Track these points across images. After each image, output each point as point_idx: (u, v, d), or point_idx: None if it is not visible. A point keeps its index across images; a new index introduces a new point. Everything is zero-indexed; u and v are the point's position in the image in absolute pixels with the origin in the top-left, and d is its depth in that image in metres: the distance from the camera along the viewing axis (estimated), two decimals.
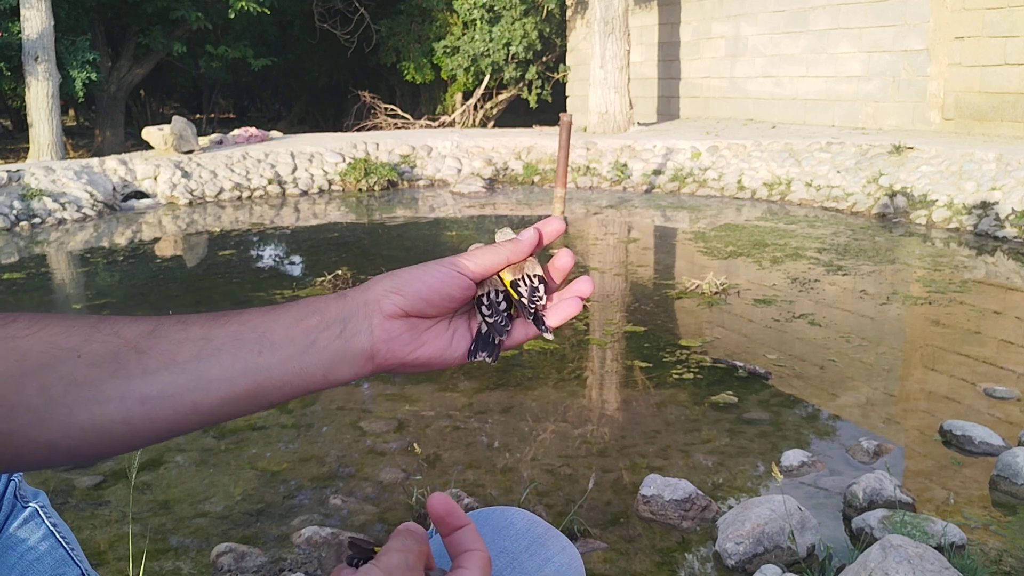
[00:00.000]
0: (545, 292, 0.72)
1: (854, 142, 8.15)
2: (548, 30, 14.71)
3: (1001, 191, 6.36)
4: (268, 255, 6.43)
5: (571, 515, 2.29)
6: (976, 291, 4.79)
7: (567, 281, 0.75)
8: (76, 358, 0.59)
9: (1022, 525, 2.26)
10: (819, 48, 10.41)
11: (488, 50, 14.35)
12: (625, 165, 9.29)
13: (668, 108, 13.03)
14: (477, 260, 0.70)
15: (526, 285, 0.72)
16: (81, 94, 11.65)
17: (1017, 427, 2.87)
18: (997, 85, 8.33)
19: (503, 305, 0.71)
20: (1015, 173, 6.39)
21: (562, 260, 0.73)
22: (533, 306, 0.71)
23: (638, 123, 11.51)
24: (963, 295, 4.65)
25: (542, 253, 0.74)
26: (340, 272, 5.12)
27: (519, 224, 7.22)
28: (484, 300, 0.71)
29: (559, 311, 0.72)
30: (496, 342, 0.71)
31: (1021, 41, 8.07)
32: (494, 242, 0.73)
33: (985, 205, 6.35)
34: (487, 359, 0.70)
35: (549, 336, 0.72)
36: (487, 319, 0.71)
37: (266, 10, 13.11)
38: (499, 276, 0.72)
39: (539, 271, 0.73)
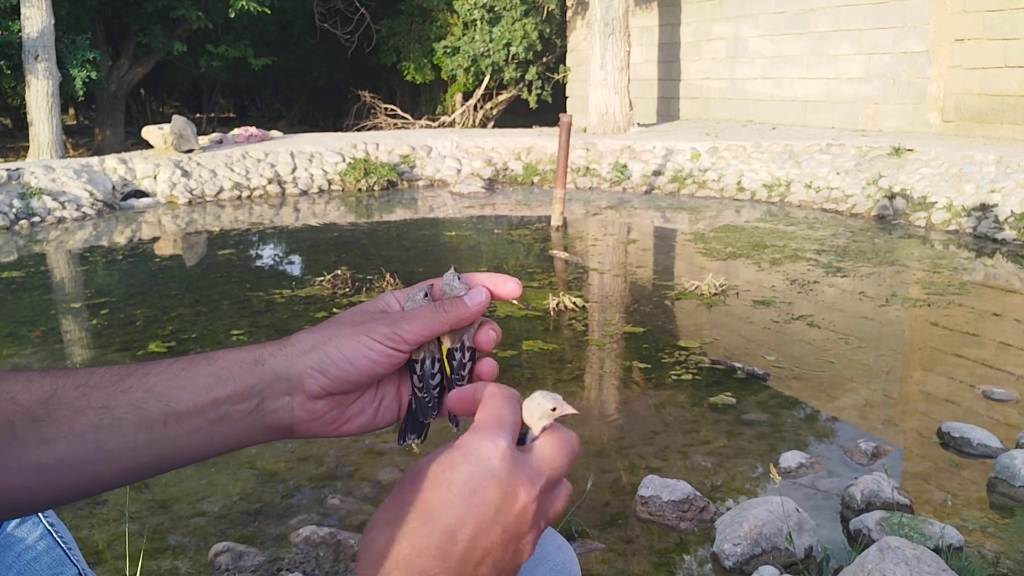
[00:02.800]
0: (472, 366, 0.64)
1: (854, 144, 8.15)
2: (548, 31, 14.70)
3: (1000, 193, 6.36)
4: (267, 254, 6.43)
5: (569, 515, 2.29)
6: (975, 293, 4.79)
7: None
8: None
9: (1020, 527, 2.26)
10: (819, 50, 10.41)
11: (488, 50, 14.34)
12: (625, 166, 9.29)
13: (668, 109, 13.03)
14: (417, 330, 0.62)
15: (458, 357, 0.64)
16: (81, 93, 11.64)
17: (1015, 429, 2.87)
18: (997, 87, 8.33)
19: (436, 379, 0.63)
20: (1015, 175, 6.39)
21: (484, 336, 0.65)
22: (457, 380, 0.63)
23: (638, 124, 11.51)
24: (962, 297, 4.65)
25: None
26: (339, 272, 5.12)
27: (517, 225, 7.22)
28: (417, 369, 0.64)
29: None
30: (427, 421, 0.64)
31: (1021, 43, 8.07)
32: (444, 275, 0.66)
33: (984, 207, 6.35)
34: (416, 441, 0.64)
35: (456, 429, 0.62)
36: (418, 392, 0.63)
37: (266, 10, 13.10)
38: (440, 339, 0.64)
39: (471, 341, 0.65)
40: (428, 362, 0.64)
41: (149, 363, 0.62)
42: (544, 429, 0.55)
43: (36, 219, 7.35)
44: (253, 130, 10.64)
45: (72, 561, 0.89)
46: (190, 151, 9.22)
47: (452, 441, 0.53)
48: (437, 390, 0.63)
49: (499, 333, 0.66)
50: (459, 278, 0.65)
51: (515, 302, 4.51)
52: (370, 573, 0.49)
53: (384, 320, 0.63)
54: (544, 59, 15.09)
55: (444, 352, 0.64)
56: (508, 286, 0.65)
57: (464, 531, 0.49)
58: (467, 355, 0.64)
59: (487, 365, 0.65)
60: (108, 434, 0.58)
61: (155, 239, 7.14)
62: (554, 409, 0.55)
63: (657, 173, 9.02)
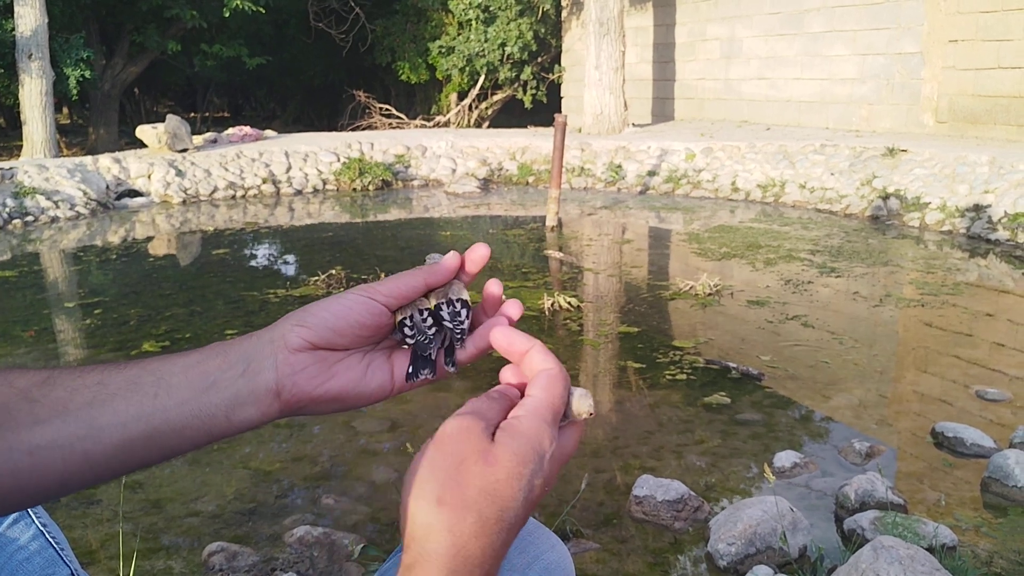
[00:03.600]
0: (468, 316, 0.67)
1: (848, 144, 8.17)
2: (543, 31, 14.71)
3: (994, 194, 6.38)
4: (262, 254, 6.42)
5: (563, 515, 2.29)
6: (968, 293, 4.80)
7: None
8: None
9: (1013, 527, 2.27)
10: (813, 51, 10.43)
11: (483, 50, 14.34)
12: (619, 166, 9.29)
13: (663, 109, 13.04)
14: (389, 285, 0.66)
15: (448, 309, 0.67)
16: (75, 92, 11.61)
17: (1008, 429, 2.88)
18: (990, 88, 8.35)
19: (429, 322, 0.67)
20: (1008, 176, 6.41)
21: (491, 289, 0.69)
22: (459, 331, 0.66)
23: (633, 124, 11.52)
24: (956, 297, 4.66)
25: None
26: (334, 272, 5.12)
27: (512, 225, 7.22)
28: (407, 322, 0.67)
29: (479, 337, 0.68)
30: (431, 356, 0.66)
31: (1014, 44, 8.10)
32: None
33: (978, 208, 6.37)
34: (428, 376, 0.66)
35: (452, 370, 0.67)
36: (408, 339, 0.66)
37: (261, 9, 13.08)
38: (425, 299, 0.68)
39: (465, 296, 0.68)
40: (416, 314, 0.67)
41: (148, 356, 0.64)
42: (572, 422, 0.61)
43: (29, 218, 7.33)
44: (247, 129, 10.62)
45: (65, 561, 0.89)
46: (184, 150, 9.20)
47: (509, 417, 0.58)
48: (431, 332, 0.67)
49: (497, 290, 0.70)
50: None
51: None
52: (445, 549, 0.51)
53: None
54: (539, 59, 15.10)
55: (432, 308, 0.68)
56: (478, 250, 0.70)
57: (516, 524, 0.54)
58: (459, 306, 0.67)
59: (514, 306, 0.69)
60: (100, 409, 0.59)
61: (149, 239, 7.12)
62: (590, 415, 0.60)
63: (652, 173, 9.03)
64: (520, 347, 0.61)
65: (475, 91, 15.21)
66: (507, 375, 0.63)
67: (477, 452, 0.53)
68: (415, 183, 9.61)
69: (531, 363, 0.60)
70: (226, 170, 8.98)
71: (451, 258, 0.69)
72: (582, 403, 0.59)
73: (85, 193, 7.87)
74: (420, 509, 0.51)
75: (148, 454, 0.60)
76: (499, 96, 15.53)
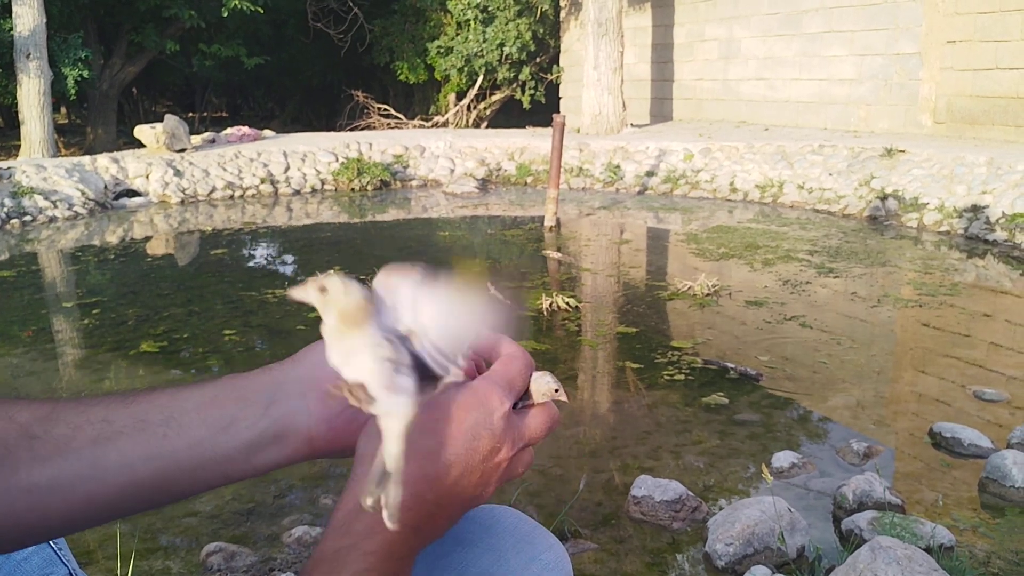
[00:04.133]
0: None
1: (846, 145, 8.18)
2: (542, 31, 14.71)
3: (992, 195, 6.39)
4: (260, 254, 6.42)
5: (562, 516, 2.29)
6: (966, 294, 4.81)
7: None
8: None
9: (1011, 527, 2.27)
10: (811, 51, 10.44)
11: (482, 50, 14.35)
12: (618, 166, 9.30)
13: (661, 110, 13.05)
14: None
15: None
16: (73, 92, 11.60)
17: (1006, 429, 2.88)
18: (988, 89, 8.36)
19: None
20: (1006, 177, 6.42)
21: None
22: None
23: (631, 124, 11.52)
24: (953, 298, 4.67)
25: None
26: (332, 272, 5.11)
27: (511, 225, 7.22)
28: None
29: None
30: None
31: (1012, 45, 8.10)
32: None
33: (976, 208, 6.37)
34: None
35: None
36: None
37: (259, 9, 13.07)
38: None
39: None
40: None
41: (157, 387, 0.61)
42: (539, 403, 0.64)
43: (27, 218, 7.32)
44: (246, 129, 10.61)
45: (62, 561, 0.89)
46: (182, 150, 9.19)
47: (466, 381, 0.60)
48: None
49: None
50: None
51: (508, 303, 4.51)
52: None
53: None
54: (537, 59, 15.10)
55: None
56: None
57: (457, 468, 0.56)
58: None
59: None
60: (105, 449, 0.55)
61: (147, 238, 7.11)
62: (556, 391, 0.65)
63: (650, 174, 9.03)
64: (490, 341, 0.65)
65: (473, 91, 15.21)
66: None
67: (424, 404, 0.57)
68: (413, 183, 9.60)
69: (500, 352, 0.64)
70: (224, 170, 8.97)
71: None
72: (542, 382, 0.64)
73: (83, 193, 7.86)
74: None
75: (159, 496, 0.58)
76: (497, 96, 15.53)
